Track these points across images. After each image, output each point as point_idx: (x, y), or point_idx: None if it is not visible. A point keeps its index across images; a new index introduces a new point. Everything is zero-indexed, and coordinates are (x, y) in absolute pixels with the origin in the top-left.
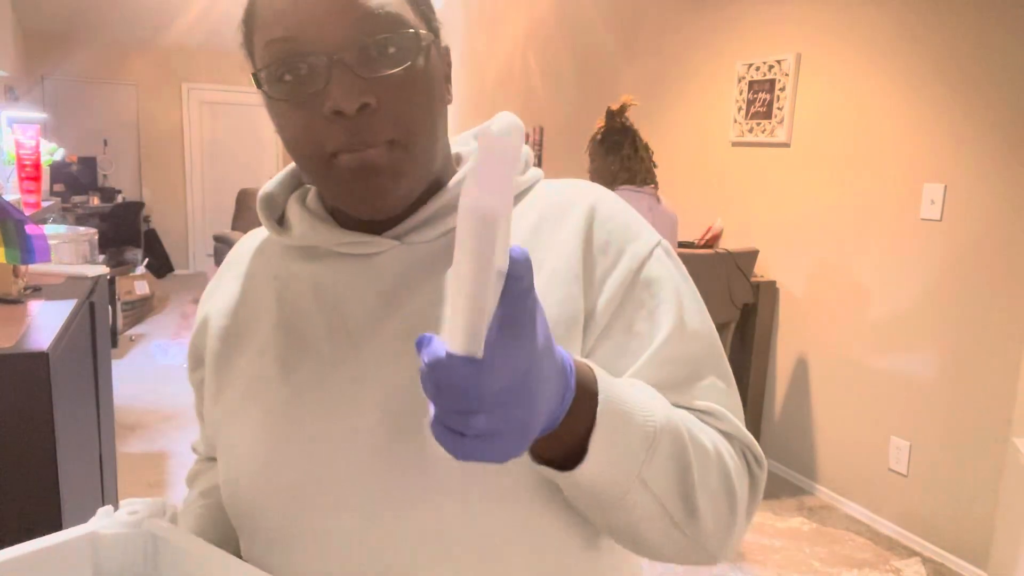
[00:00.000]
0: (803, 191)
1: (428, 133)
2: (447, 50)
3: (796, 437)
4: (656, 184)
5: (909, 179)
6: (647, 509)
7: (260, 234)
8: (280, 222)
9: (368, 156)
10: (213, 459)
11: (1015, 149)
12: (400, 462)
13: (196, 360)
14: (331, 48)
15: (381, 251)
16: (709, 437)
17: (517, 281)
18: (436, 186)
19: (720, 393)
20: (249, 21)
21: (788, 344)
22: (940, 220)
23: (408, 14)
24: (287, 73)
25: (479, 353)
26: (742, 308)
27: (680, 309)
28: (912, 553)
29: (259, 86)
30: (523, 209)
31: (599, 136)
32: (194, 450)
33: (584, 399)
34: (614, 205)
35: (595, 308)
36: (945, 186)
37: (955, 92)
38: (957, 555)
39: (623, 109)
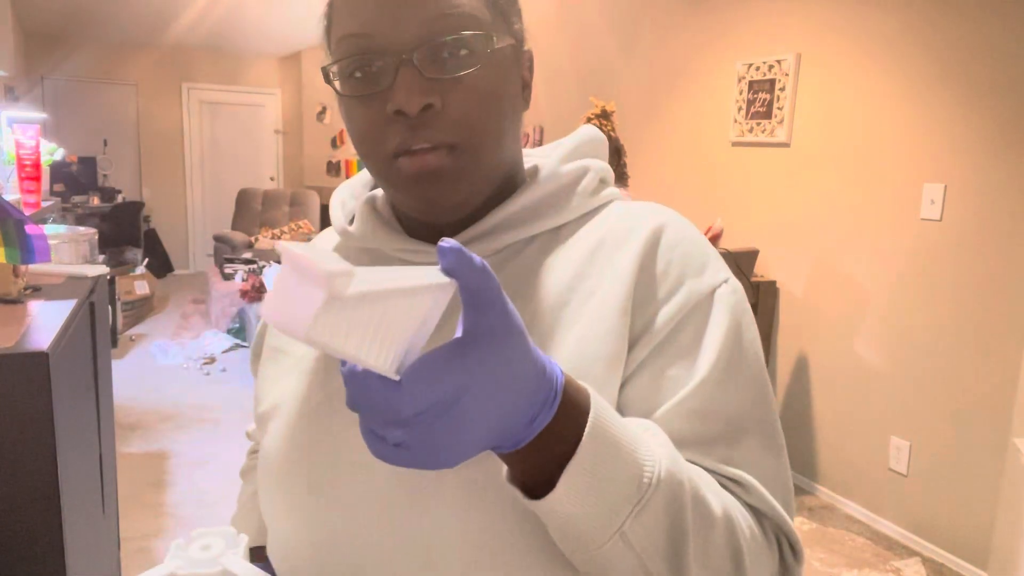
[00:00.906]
0: (803, 191)
1: (492, 139)
2: (529, 56)
3: (796, 437)
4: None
5: (909, 179)
6: (628, 570)
7: (333, 237)
8: (352, 223)
9: (427, 161)
10: None
11: (1015, 149)
12: (426, 477)
13: (255, 353)
14: (401, 46)
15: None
16: (721, 502)
17: (468, 307)
18: (504, 195)
19: (760, 463)
20: (329, 15)
21: (788, 344)
22: (940, 220)
23: (484, 15)
24: (357, 70)
25: (393, 375)
26: None
27: (726, 356)
28: (912, 553)
29: (328, 81)
30: (587, 230)
31: (612, 134)
32: (249, 436)
33: (571, 425)
34: (683, 231)
35: (637, 341)
36: (945, 186)
37: (955, 92)
38: (957, 555)
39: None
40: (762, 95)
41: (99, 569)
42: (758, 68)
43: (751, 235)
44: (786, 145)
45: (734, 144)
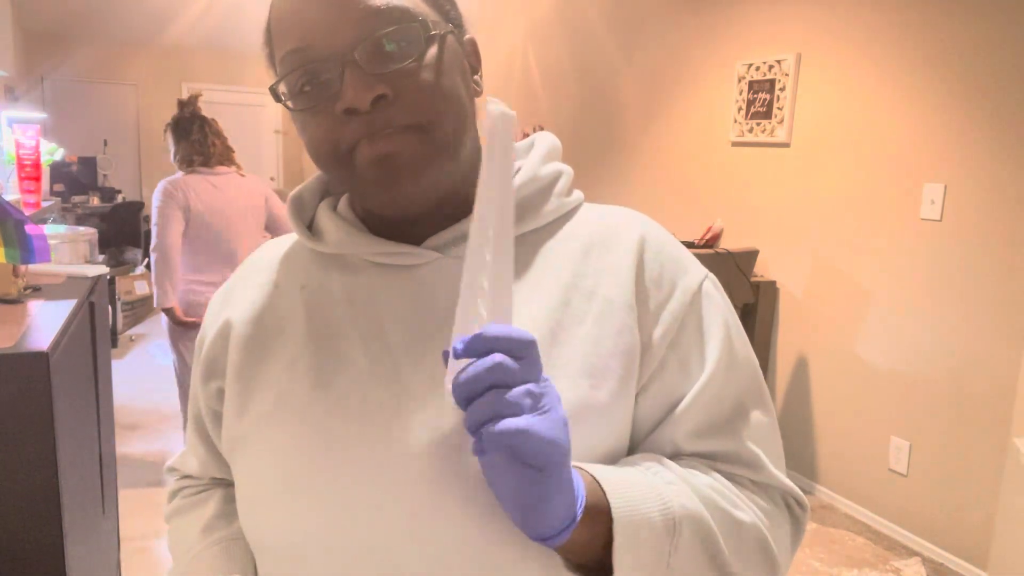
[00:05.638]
0: (803, 191)
1: (450, 120)
2: (472, 42)
3: (796, 437)
4: (237, 164)
5: (909, 179)
6: None
7: (283, 243)
8: (310, 228)
9: (387, 145)
10: (217, 480)
11: (1015, 149)
12: (448, 482)
13: (212, 370)
14: (341, 50)
15: (422, 263)
16: (745, 503)
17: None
18: (468, 194)
19: (762, 428)
20: (268, 39)
21: (788, 344)
22: (940, 220)
23: (418, 6)
24: (306, 84)
25: (511, 320)
26: (742, 308)
27: (728, 343)
28: (912, 553)
29: (278, 100)
30: (570, 230)
31: (171, 123)
32: (173, 470)
33: (597, 515)
34: (662, 235)
35: (651, 341)
36: (945, 186)
37: (955, 92)
38: (957, 555)
39: (193, 99)
40: (762, 95)
41: (99, 569)
42: (758, 68)
43: (751, 235)
44: (786, 145)
45: (734, 144)
